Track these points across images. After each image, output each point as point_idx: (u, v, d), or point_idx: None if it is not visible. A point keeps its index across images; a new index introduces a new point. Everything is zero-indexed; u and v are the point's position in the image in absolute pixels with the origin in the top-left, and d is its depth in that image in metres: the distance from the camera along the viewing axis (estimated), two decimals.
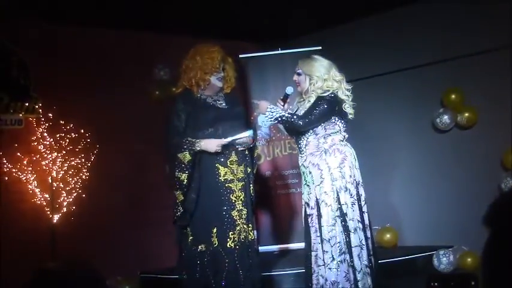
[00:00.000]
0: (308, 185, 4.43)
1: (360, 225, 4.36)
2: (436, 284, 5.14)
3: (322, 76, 4.46)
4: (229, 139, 4.37)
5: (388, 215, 6.96)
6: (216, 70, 4.50)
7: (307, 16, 7.01)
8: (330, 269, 4.27)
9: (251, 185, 4.52)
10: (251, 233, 4.43)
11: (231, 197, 4.39)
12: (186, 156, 4.32)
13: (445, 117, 6.53)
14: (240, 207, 4.40)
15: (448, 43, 6.57)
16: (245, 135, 4.41)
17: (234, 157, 4.43)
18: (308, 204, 4.42)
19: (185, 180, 4.31)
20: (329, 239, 4.29)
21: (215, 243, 4.33)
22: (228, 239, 4.33)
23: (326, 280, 4.28)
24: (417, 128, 6.86)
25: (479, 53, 6.33)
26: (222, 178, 4.39)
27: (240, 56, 6.96)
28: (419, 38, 6.77)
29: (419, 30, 6.78)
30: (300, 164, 4.49)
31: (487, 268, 1.38)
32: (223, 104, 4.54)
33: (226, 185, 4.39)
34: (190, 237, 4.39)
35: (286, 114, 4.37)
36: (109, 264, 6.33)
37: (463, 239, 6.10)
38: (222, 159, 4.39)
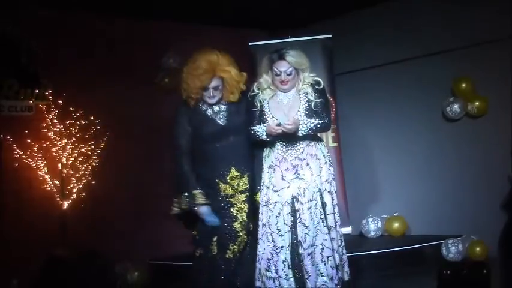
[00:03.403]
0: (302, 178, 4.31)
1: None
2: (448, 271, 5.13)
3: (308, 64, 4.39)
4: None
5: (397, 204, 6.96)
6: (198, 91, 4.33)
7: (316, 4, 6.98)
8: (337, 250, 4.31)
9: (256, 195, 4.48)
10: (249, 244, 4.40)
11: (232, 210, 4.37)
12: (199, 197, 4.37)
13: (456, 106, 6.50)
14: (244, 219, 4.37)
15: (459, 31, 6.52)
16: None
17: (233, 173, 4.39)
18: (297, 199, 4.29)
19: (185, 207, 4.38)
20: (335, 225, 4.32)
21: (214, 251, 4.35)
22: (228, 250, 4.33)
23: (340, 263, 4.30)
24: (427, 117, 6.83)
25: (490, 42, 6.29)
26: (222, 193, 4.38)
27: (250, 44, 6.94)
28: (430, 26, 6.73)
29: (430, 18, 6.74)
30: (293, 157, 4.33)
31: (502, 256, 1.35)
32: (224, 118, 4.41)
33: (227, 199, 4.39)
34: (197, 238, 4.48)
35: (317, 121, 4.27)
36: (118, 250, 6.38)
37: (472, 228, 6.09)
38: (222, 175, 4.37)
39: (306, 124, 4.25)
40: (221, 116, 4.42)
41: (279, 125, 4.23)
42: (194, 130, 4.38)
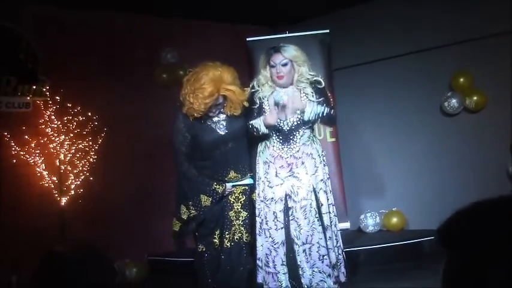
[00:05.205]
0: (296, 176, 4.32)
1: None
2: None
3: (305, 59, 4.36)
4: (230, 185, 4.40)
5: (395, 198, 6.97)
6: (202, 112, 4.29)
7: None
8: (333, 250, 4.31)
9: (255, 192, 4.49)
10: (246, 235, 4.42)
11: (230, 198, 4.44)
12: (207, 200, 4.36)
13: (454, 101, 6.50)
14: (238, 209, 4.42)
15: (458, 26, 6.52)
16: (245, 183, 4.43)
17: (232, 174, 4.43)
18: (290, 197, 4.31)
19: (193, 214, 4.39)
20: (331, 225, 4.33)
21: (216, 245, 4.39)
22: (225, 239, 4.38)
23: (336, 263, 4.30)
24: (425, 111, 6.83)
25: (488, 36, 6.29)
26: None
27: (247, 39, 6.93)
28: (429, 20, 6.72)
29: (429, 12, 6.73)
30: (288, 155, 4.34)
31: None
32: (224, 128, 4.41)
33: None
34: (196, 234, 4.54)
35: (324, 109, 4.25)
36: (117, 246, 6.37)
37: None
38: (220, 179, 4.41)
39: (313, 108, 4.22)
40: (221, 126, 4.42)
41: (276, 104, 4.22)
42: (193, 138, 4.38)
